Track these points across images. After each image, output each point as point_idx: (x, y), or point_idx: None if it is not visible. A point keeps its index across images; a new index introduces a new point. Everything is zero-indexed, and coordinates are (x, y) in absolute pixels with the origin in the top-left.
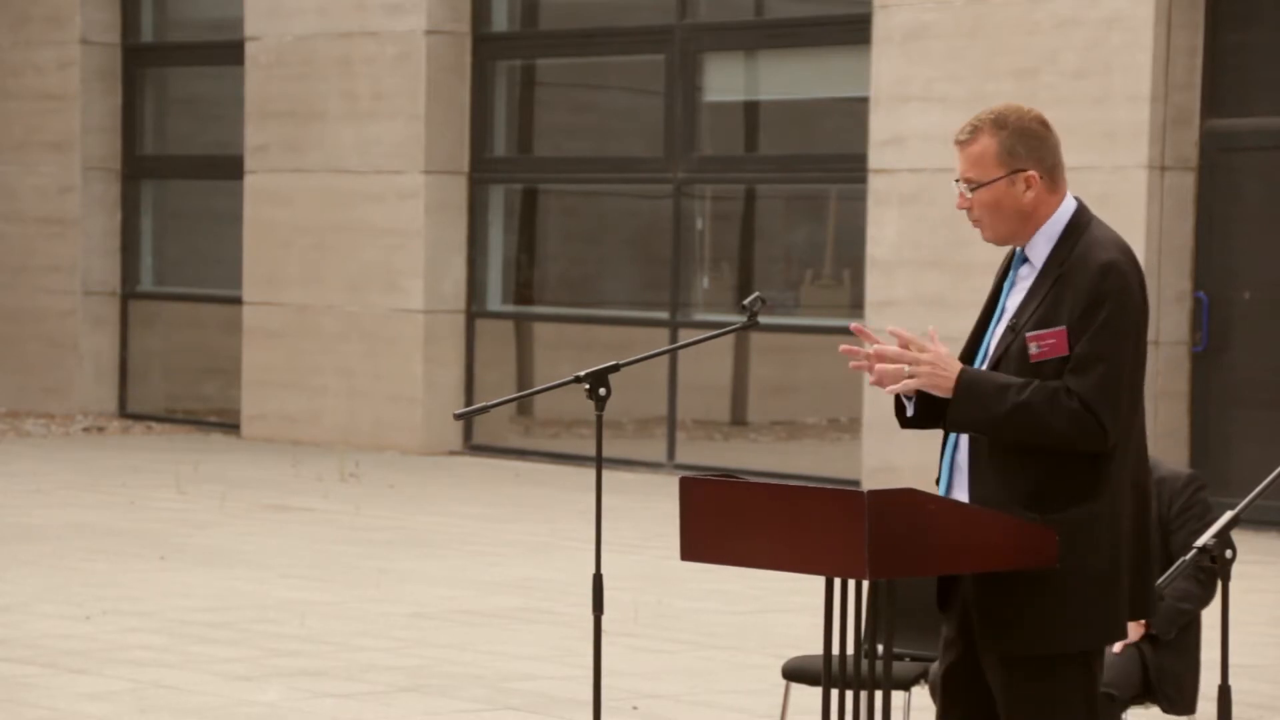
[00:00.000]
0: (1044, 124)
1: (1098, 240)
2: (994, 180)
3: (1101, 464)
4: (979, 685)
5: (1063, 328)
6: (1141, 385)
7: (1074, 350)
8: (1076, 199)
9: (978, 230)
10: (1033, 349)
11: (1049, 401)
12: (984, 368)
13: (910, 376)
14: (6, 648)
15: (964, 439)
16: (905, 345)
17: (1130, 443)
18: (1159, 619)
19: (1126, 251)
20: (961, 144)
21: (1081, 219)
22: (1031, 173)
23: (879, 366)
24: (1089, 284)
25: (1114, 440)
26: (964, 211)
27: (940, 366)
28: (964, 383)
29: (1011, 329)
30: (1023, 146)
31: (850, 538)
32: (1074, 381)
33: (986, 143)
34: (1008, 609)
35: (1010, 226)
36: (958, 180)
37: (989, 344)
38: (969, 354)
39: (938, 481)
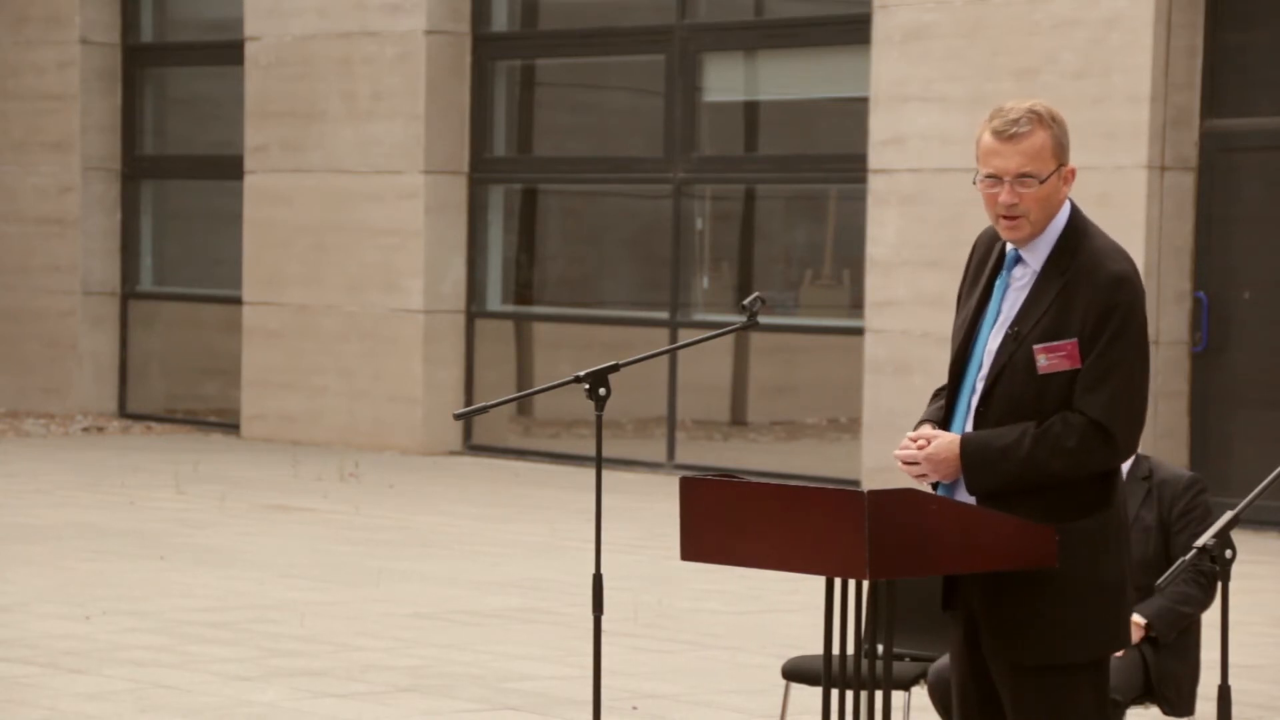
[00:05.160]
0: None
1: (1103, 250)
2: (1050, 175)
3: (1111, 474)
4: (995, 697)
5: (1074, 340)
6: (1147, 395)
7: (1085, 363)
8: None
9: (1009, 229)
10: (1041, 361)
11: (1051, 449)
12: (983, 375)
13: (920, 475)
14: (6, 648)
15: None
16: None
17: None
18: (1160, 622)
19: (1131, 262)
20: (1016, 138)
21: (1078, 222)
22: (1071, 167)
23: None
24: (1103, 295)
25: (1126, 453)
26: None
27: (935, 459)
28: (967, 457)
29: (1014, 337)
30: (1065, 141)
31: (850, 538)
32: (1085, 401)
33: (1043, 136)
34: (1018, 619)
35: (1046, 222)
36: (991, 176)
37: (985, 348)
38: (961, 359)
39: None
